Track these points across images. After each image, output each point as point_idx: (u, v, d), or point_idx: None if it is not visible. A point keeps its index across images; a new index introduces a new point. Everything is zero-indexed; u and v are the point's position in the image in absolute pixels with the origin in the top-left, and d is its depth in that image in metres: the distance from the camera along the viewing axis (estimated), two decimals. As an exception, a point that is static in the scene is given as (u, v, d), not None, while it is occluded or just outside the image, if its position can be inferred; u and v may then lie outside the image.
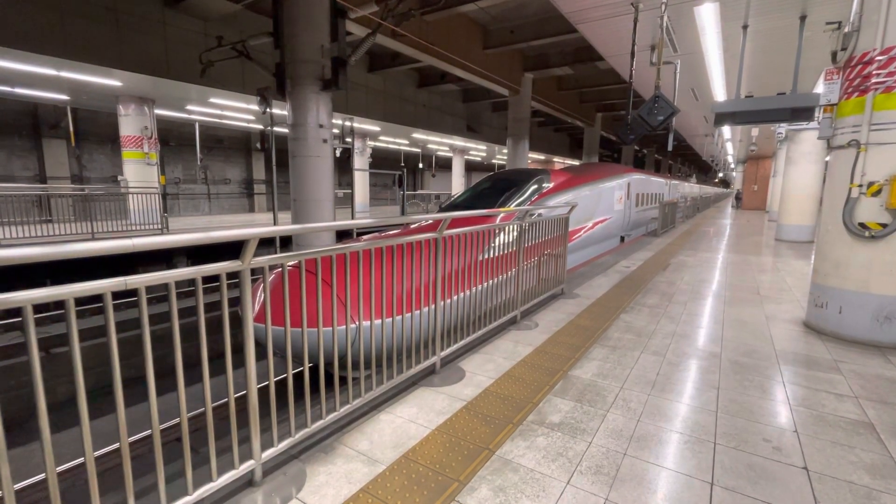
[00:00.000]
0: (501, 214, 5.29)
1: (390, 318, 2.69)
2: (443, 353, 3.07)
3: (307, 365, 2.10)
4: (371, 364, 2.48)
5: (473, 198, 6.75)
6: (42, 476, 4.25)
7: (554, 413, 2.53)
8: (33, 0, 8.01)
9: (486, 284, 3.62)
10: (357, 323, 2.34)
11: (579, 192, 7.88)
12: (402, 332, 2.82)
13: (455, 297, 3.23)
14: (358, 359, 2.39)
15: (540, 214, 4.36)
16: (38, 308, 7.42)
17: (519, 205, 6.27)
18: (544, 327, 4.06)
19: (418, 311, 2.98)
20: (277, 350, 2.67)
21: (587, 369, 3.15)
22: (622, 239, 11.05)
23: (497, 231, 3.82)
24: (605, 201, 9.31)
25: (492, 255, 3.65)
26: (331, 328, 3.12)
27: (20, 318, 1.25)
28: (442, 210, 7.31)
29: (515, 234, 4.04)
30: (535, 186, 6.82)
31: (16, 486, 4.11)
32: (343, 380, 2.32)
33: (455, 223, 4.54)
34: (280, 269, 3.48)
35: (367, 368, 2.48)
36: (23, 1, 7.90)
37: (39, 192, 12.73)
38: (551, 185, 7.10)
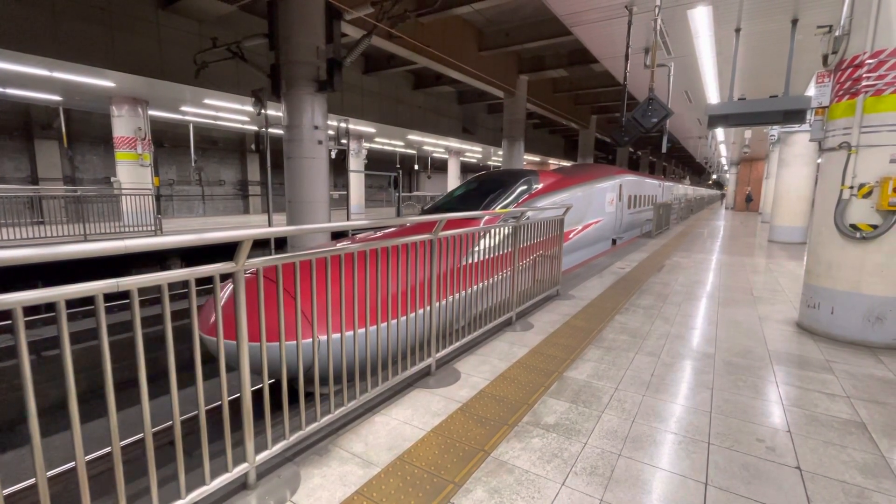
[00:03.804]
0: (486, 217, 5.23)
1: (385, 323, 2.68)
2: (438, 355, 3.06)
3: (286, 379, 2.05)
4: (354, 376, 2.41)
5: (459, 200, 6.53)
6: (32, 481, 4.20)
7: (549, 414, 2.54)
8: (25, 0, 7.94)
9: (472, 289, 3.55)
10: (347, 334, 2.25)
11: (569, 193, 7.73)
12: (387, 338, 2.77)
13: (441, 302, 3.14)
14: (327, 374, 2.29)
15: (528, 217, 4.30)
16: (29, 311, 7.35)
17: (505, 207, 6.10)
18: (539, 328, 4.07)
19: (403, 318, 2.89)
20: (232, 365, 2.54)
21: (582, 370, 3.16)
22: (614, 242, 10.90)
23: (482, 234, 3.73)
24: (595, 203, 9.13)
25: (477, 259, 3.57)
26: (293, 342, 2.87)
27: (10, 321, 1.24)
28: (424, 212, 7.02)
29: (500, 237, 3.95)
30: (523, 188, 6.63)
31: (5, 490, 4.06)
32: (313, 394, 2.24)
33: (417, 228, 4.49)
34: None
35: (343, 381, 2.41)
36: (14, 0, 7.83)
37: (31, 193, 12.61)
38: (540, 186, 6.94)
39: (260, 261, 1.84)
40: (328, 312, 2.19)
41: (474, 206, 6.15)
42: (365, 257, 2.48)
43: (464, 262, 3.39)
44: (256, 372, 2.22)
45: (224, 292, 3.43)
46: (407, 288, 2.76)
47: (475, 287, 3.54)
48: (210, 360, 2.41)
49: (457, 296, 3.31)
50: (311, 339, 2.68)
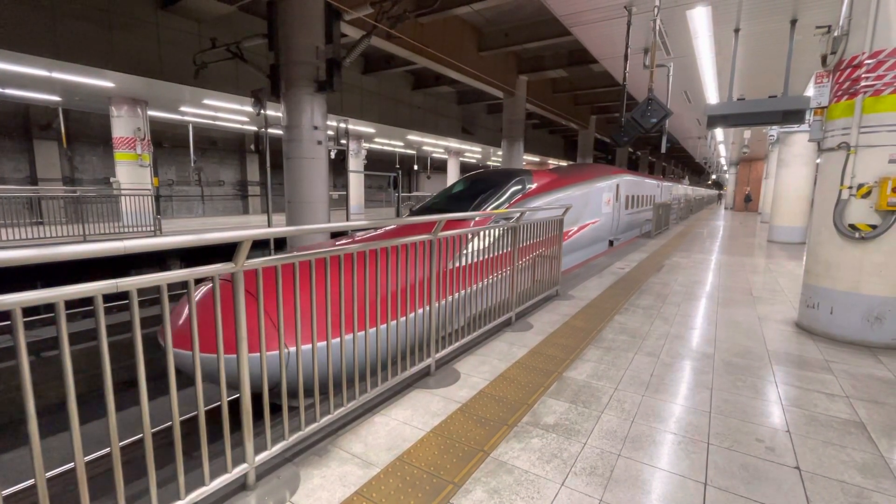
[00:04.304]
0: (477, 218, 5.10)
1: (385, 325, 2.66)
2: (438, 355, 3.06)
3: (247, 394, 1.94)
4: (353, 378, 2.39)
5: (449, 200, 6.24)
6: (31, 482, 4.20)
7: (549, 414, 2.54)
8: (24, 0, 7.94)
9: (471, 289, 3.48)
10: (308, 346, 2.15)
11: (564, 193, 7.45)
12: (386, 339, 2.74)
13: (440, 303, 3.06)
14: (322, 380, 2.21)
15: (518, 219, 4.19)
16: (28, 311, 7.34)
17: (497, 208, 5.86)
18: (539, 329, 4.07)
19: (402, 318, 2.82)
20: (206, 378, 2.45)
21: (582, 370, 3.16)
22: (611, 243, 10.63)
23: (480, 235, 3.58)
24: (592, 204, 8.84)
25: (474, 260, 3.49)
26: (274, 353, 2.77)
27: (9, 322, 1.23)
28: (412, 213, 6.73)
29: (499, 237, 3.85)
30: (516, 188, 6.37)
31: (4, 492, 4.06)
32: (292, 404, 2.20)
33: (416, 228, 4.40)
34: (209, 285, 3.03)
35: (343, 383, 2.38)
36: (14, 1, 7.83)
37: (31, 193, 12.60)
38: (533, 186, 6.68)
39: (259, 261, 1.84)
40: (328, 316, 2.18)
41: (464, 206, 5.88)
42: (364, 258, 2.48)
43: (462, 263, 3.38)
44: (234, 386, 2.18)
45: (190, 300, 3.23)
46: (407, 288, 2.76)
47: (473, 287, 3.53)
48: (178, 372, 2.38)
49: (455, 296, 3.30)
50: (297, 348, 2.56)
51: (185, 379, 2.78)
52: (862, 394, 2.85)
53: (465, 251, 3.37)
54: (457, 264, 3.29)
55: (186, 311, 3.19)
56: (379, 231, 5.05)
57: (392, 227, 5.03)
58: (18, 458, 5.31)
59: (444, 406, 2.62)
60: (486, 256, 3.70)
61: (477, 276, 3.56)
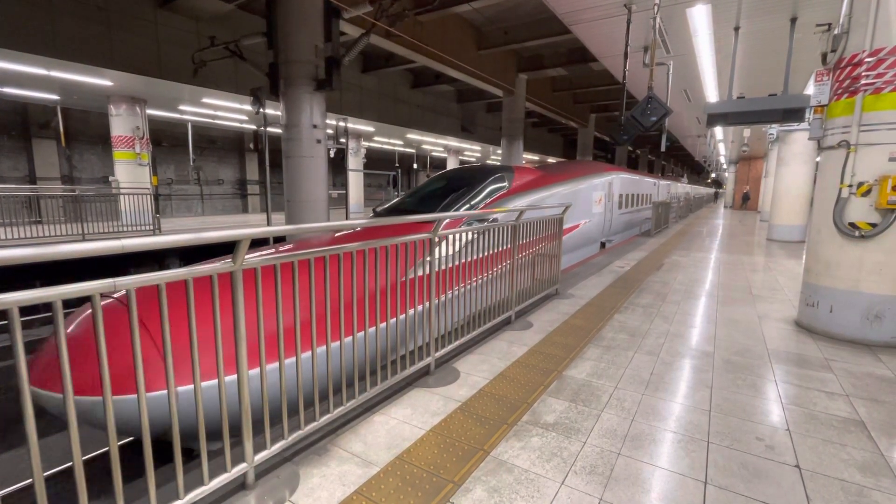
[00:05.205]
0: (447, 220, 4.71)
1: (384, 324, 2.65)
2: (437, 354, 3.06)
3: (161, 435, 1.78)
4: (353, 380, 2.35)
5: (420, 199, 5.79)
6: (29, 481, 4.19)
7: (548, 413, 2.53)
8: (22, -2, 7.92)
9: (467, 288, 3.36)
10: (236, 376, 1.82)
11: (549, 192, 6.89)
12: (386, 339, 2.67)
13: (438, 301, 2.96)
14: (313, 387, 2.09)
15: (495, 220, 3.92)
16: (26, 310, 7.33)
17: (471, 208, 5.43)
18: (539, 327, 4.06)
19: (402, 316, 2.74)
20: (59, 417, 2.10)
21: (581, 369, 3.15)
22: (603, 245, 10.14)
23: (434, 242, 2.98)
24: (581, 203, 8.25)
25: (449, 266, 3.23)
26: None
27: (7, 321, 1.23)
28: (377, 214, 6.09)
29: (458, 245, 3.44)
30: (495, 186, 5.86)
31: (2, 492, 4.06)
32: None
33: (378, 232, 4.16)
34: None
35: (342, 383, 2.31)
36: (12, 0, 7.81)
37: (29, 192, 12.57)
38: (515, 184, 6.15)
39: (258, 260, 1.83)
40: (327, 318, 2.17)
41: (434, 205, 5.44)
42: (364, 257, 2.47)
43: (446, 266, 3.26)
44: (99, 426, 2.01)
45: (75, 324, 2.68)
46: (406, 288, 2.75)
47: (469, 287, 3.50)
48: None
49: (444, 297, 3.20)
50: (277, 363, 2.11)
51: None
52: (862, 392, 2.85)
53: (430, 257, 3.04)
54: (449, 265, 3.26)
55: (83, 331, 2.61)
56: (364, 230, 4.55)
57: (381, 225, 4.59)
58: (15, 459, 5.31)
59: (444, 405, 2.62)
60: (477, 257, 3.59)
61: (472, 275, 3.53)
